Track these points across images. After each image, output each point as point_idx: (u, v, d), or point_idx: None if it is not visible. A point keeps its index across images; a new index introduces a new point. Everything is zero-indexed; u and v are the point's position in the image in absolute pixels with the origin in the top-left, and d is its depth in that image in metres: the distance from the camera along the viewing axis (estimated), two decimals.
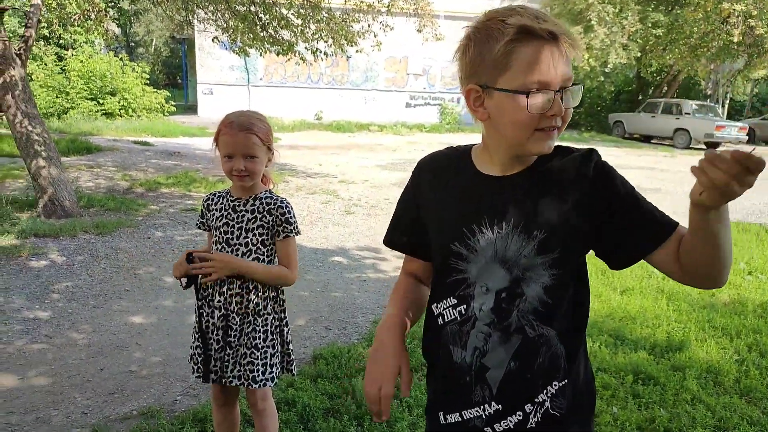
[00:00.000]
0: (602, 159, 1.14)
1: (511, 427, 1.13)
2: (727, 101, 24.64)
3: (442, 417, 1.21)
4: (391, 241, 1.32)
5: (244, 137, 1.89)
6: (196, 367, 2.04)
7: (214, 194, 2.08)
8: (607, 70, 19.79)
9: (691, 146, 17.88)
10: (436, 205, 1.20)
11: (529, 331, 1.12)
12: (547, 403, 1.12)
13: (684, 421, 2.67)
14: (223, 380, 1.99)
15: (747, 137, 18.03)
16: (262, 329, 1.98)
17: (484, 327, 1.13)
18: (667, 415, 2.72)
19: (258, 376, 1.97)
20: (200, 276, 1.96)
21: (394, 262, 5.12)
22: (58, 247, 5.04)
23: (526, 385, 1.12)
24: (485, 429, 1.15)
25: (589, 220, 1.09)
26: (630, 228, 1.10)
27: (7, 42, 5.89)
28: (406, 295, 1.29)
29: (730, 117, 23.38)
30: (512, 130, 1.07)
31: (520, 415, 1.13)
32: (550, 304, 1.10)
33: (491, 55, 1.03)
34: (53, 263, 4.67)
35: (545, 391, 1.12)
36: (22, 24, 13.77)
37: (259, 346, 1.98)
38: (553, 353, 1.12)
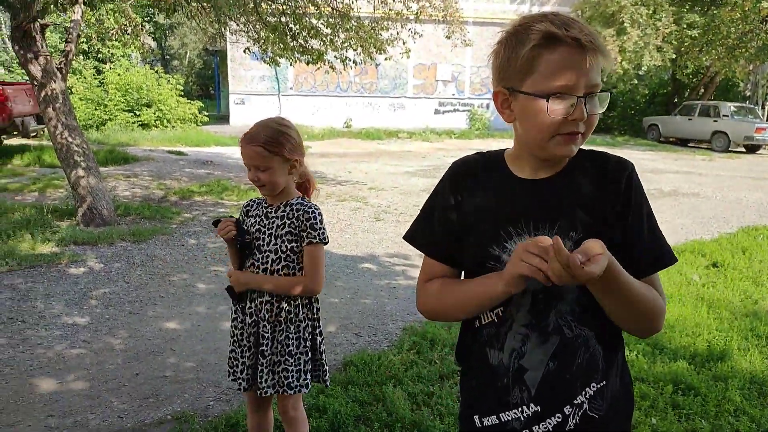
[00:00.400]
0: (636, 173, 1.16)
1: (550, 429, 1.12)
2: None
3: (477, 420, 1.20)
4: (422, 244, 1.27)
5: (251, 150, 1.92)
6: (231, 371, 2.07)
7: (254, 201, 2.11)
8: (640, 73, 19.37)
9: (730, 149, 17.34)
10: (473, 209, 1.20)
11: (567, 331, 1.12)
12: (586, 405, 1.12)
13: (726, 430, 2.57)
14: (258, 391, 1.99)
15: None
16: (294, 336, 1.99)
17: (521, 328, 1.13)
18: (708, 427, 2.63)
19: (293, 382, 1.98)
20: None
21: None
22: (96, 255, 5.17)
23: (564, 386, 1.12)
24: (524, 431, 1.14)
25: (616, 225, 1.12)
26: (629, 249, 1.12)
27: (48, 57, 6.11)
28: (456, 280, 1.24)
29: None
30: (534, 133, 1.10)
31: (559, 417, 1.12)
32: (587, 304, 1.10)
33: (518, 59, 1.07)
34: (91, 270, 4.80)
35: (584, 393, 1.12)
36: (63, 39, 14.29)
37: (293, 352, 1.98)
38: (591, 354, 1.13)
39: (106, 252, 5.29)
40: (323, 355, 2.08)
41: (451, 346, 3.40)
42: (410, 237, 1.29)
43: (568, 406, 1.12)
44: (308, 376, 2.02)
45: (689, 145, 18.98)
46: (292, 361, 1.98)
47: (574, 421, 1.12)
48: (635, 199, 1.13)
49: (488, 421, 1.18)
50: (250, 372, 2.00)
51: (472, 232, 1.19)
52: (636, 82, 20.51)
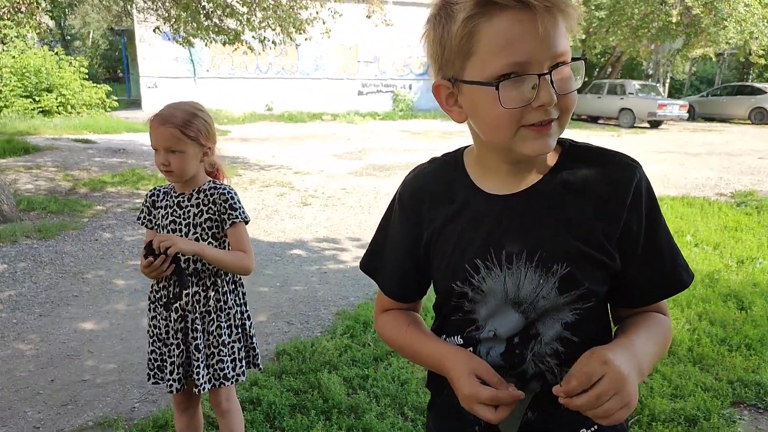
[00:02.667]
0: (645, 178, 0.91)
1: None
2: (668, 80, 25.61)
3: None
4: (375, 271, 1.09)
5: (165, 131, 1.79)
6: (152, 373, 1.96)
7: (159, 190, 1.98)
8: None
9: (635, 125, 18.48)
10: (430, 238, 0.97)
11: (550, 377, 0.92)
12: None
13: (642, 391, 2.75)
14: (196, 389, 1.90)
15: (688, 114, 18.77)
16: (225, 324, 1.93)
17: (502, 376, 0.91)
18: None
19: (228, 373, 1.93)
20: (181, 259, 1.83)
21: (354, 252, 5.08)
22: None
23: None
24: None
25: (620, 249, 0.90)
26: (641, 274, 0.92)
27: None
28: (414, 323, 1.05)
29: (671, 95, 24.33)
30: (490, 131, 0.86)
31: None
32: (576, 342, 0.90)
33: (451, 39, 0.82)
34: None
35: None
36: None
37: (226, 342, 1.92)
38: None
39: (9, 251, 4.87)
40: (254, 338, 2.04)
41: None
42: (364, 267, 1.11)
43: None
44: (243, 363, 1.99)
45: (599, 121, 20.07)
46: (226, 351, 1.92)
47: None
48: (649, 215, 0.89)
49: None
50: (181, 371, 1.90)
51: (432, 265, 0.98)
52: None
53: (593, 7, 18.98)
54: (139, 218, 1.99)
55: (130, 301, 3.94)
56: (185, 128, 1.80)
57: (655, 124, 18.84)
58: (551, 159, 0.92)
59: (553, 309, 0.89)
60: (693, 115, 20.49)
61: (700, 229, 5.79)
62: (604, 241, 0.88)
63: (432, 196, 0.98)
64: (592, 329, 0.92)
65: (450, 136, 14.29)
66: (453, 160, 1.00)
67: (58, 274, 4.43)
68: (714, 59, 23.86)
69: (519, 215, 0.90)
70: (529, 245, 0.88)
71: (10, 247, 4.97)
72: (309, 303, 3.98)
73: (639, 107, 18.31)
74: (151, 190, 1.99)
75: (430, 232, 0.97)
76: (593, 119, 20.25)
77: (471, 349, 0.95)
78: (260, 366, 2.07)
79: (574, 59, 0.82)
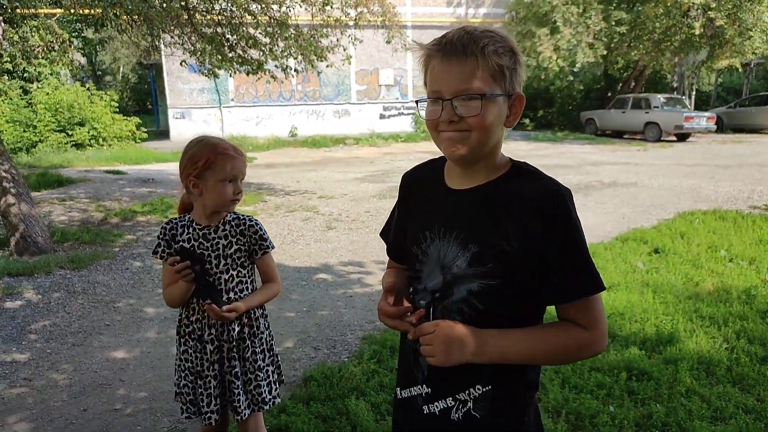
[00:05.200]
0: (569, 206, 1.16)
1: (437, 412, 1.23)
2: (694, 92, 25.22)
3: (399, 392, 1.33)
4: (385, 239, 1.48)
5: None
6: (185, 407, 1.98)
7: (175, 223, 1.96)
8: (575, 69, 20.10)
9: (662, 138, 18.20)
10: (409, 214, 1.35)
11: None
12: (470, 404, 1.21)
13: (681, 414, 2.66)
14: (238, 416, 1.93)
15: (716, 126, 18.42)
16: (259, 349, 1.97)
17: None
18: (663, 410, 2.71)
19: (266, 397, 1.97)
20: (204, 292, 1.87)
21: (379, 275, 5.07)
22: (33, 285, 4.89)
23: (446, 378, 1.21)
24: (423, 407, 1.25)
25: (526, 252, 1.14)
26: (547, 276, 1.16)
27: None
28: (392, 271, 1.44)
29: (697, 108, 23.92)
30: (431, 135, 1.22)
31: (444, 404, 1.23)
32: (480, 310, 1.17)
33: (423, 76, 1.22)
34: (29, 302, 4.53)
35: (467, 392, 1.20)
36: None
37: (262, 366, 1.97)
38: None
39: (43, 282, 5.00)
40: (278, 356, 2.10)
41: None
42: (381, 234, 1.50)
43: (451, 398, 1.22)
44: (277, 386, 2.04)
45: (624, 136, 19.81)
46: (262, 375, 1.96)
47: (457, 415, 1.21)
48: (556, 228, 1.13)
49: (404, 393, 1.31)
50: (218, 402, 1.92)
51: (407, 233, 1.33)
52: (572, 78, 21.27)
53: (614, 23, 18.91)
54: (155, 252, 1.96)
55: (160, 329, 3.99)
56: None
57: (682, 137, 18.53)
58: (500, 171, 1.22)
59: (463, 276, 1.18)
60: (721, 127, 20.08)
61: (734, 243, 5.63)
62: (512, 237, 1.14)
63: (415, 185, 1.36)
64: (495, 305, 1.17)
65: None
66: (440, 162, 1.33)
67: (91, 303, 4.52)
68: (740, 70, 23.45)
69: (460, 205, 1.22)
70: (458, 227, 1.20)
71: (45, 278, 5.10)
72: (335, 328, 3.97)
73: (665, 121, 18.04)
74: (168, 223, 1.98)
75: (409, 209, 1.35)
76: (618, 134, 20.01)
77: (412, 294, 1.26)
78: (284, 381, 2.12)
79: (477, 95, 1.12)
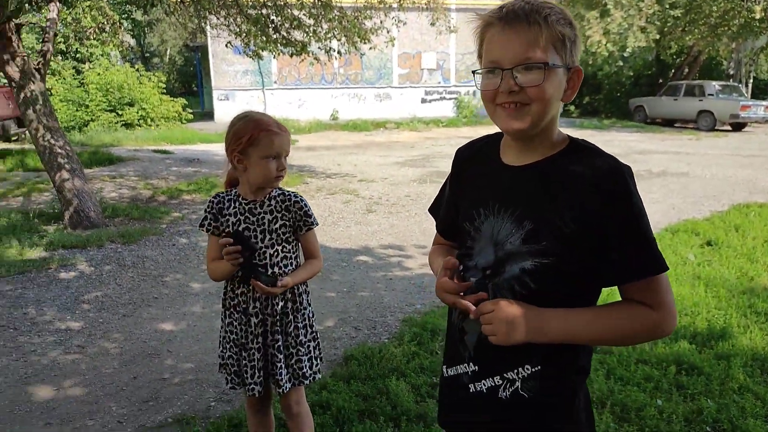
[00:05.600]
0: (629, 182, 1.11)
1: (484, 390, 1.22)
2: (751, 80, 24.03)
3: (445, 370, 1.32)
4: (435, 215, 1.46)
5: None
6: (230, 378, 2.02)
7: (222, 197, 1.99)
8: (625, 54, 19.40)
9: (716, 128, 17.45)
10: (461, 191, 1.33)
11: None
12: (518, 383, 1.18)
13: (733, 411, 2.56)
14: (279, 389, 1.97)
15: None
16: (301, 324, 1.99)
17: (471, 295, 1.21)
18: (714, 406, 2.62)
19: (307, 372, 2.00)
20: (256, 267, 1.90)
21: (419, 260, 5.06)
22: (85, 258, 5.08)
23: (494, 356, 1.19)
24: (469, 385, 1.24)
25: (583, 231, 1.10)
26: (605, 255, 1.12)
27: (26, 57, 5.97)
28: (440, 250, 1.44)
29: (754, 96, 22.76)
30: (486, 109, 1.19)
31: (492, 382, 1.21)
32: (533, 288, 1.14)
33: (477, 47, 1.19)
34: (82, 274, 4.71)
35: (516, 371, 1.18)
36: (39, 40, 14.01)
37: (303, 342, 1.99)
38: None
39: (96, 255, 5.19)
40: (317, 333, 2.11)
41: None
42: (430, 210, 1.48)
43: (498, 377, 1.20)
44: (317, 361, 2.06)
45: (675, 125, 19.09)
46: (303, 350, 1.99)
47: (505, 393, 1.20)
48: (615, 203, 1.09)
49: (451, 371, 1.29)
50: (261, 374, 1.96)
51: (459, 209, 1.31)
52: (621, 63, 20.55)
53: (668, 6, 18.13)
54: (202, 225, 1.99)
55: (204, 303, 4.10)
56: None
57: (737, 127, 17.72)
58: (557, 147, 1.18)
59: (517, 254, 1.15)
60: None
61: None
62: (568, 215, 1.11)
63: (469, 161, 1.33)
64: (549, 284, 1.14)
65: None
66: (496, 137, 1.30)
67: (140, 276, 4.67)
68: None
69: (516, 181, 1.19)
70: (513, 204, 1.17)
71: (97, 251, 5.29)
72: (376, 309, 3.99)
73: (720, 109, 17.28)
74: (214, 197, 2.00)
75: (461, 186, 1.33)
76: (669, 122, 19.28)
77: (462, 272, 1.25)
78: (322, 356, 2.13)
79: (540, 64, 1.08)
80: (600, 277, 1.15)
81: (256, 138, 1.85)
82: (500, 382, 1.20)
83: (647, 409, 2.60)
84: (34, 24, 11.63)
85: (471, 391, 1.24)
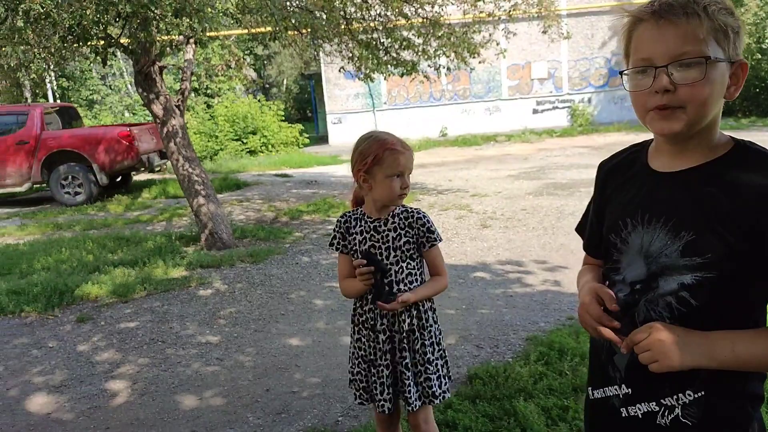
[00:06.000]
0: None
1: (639, 416, 1.12)
2: None
3: (590, 392, 1.25)
4: (581, 234, 1.40)
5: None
6: (358, 393, 2.06)
7: (350, 216, 2.06)
8: (764, 47, 17.52)
9: None
10: (607, 203, 1.25)
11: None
12: (678, 410, 1.09)
13: None
14: (409, 407, 1.98)
15: None
16: (428, 342, 1.99)
17: (618, 313, 1.14)
18: None
19: (436, 390, 1.99)
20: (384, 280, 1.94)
21: (540, 276, 4.87)
22: (220, 276, 5.49)
23: (651, 380, 1.08)
24: (621, 409, 1.15)
25: (754, 246, 1.00)
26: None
27: (168, 96, 6.64)
28: (589, 270, 1.35)
29: None
30: (636, 112, 1.10)
31: (648, 407, 1.12)
32: (694, 306, 1.04)
33: (623, 46, 1.12)
34: (217, 291, 5.09)
35: (675, 397, 1.09)
36: (177, 79, 15.63)
37: (431, 360, 1.98)
38: None
39: (228, 273, 5.59)
40: (446, 351, 2.09)
41: (581, 356, 3.18)
42: (576, 229, 1.43)
43: (654, 403, 1.10)
44: (446, 380, 2.04)
45: None
46: (432, 368, 1.97)
47: (665, 420, 1.10)
48: None
49: (597, 393, 1.22)
50: (391, 391, 1.98)
51: (604, 221, 1.24)
52: (759, 56, 18.59)
53: None
54: (331, 244, 2.08)
55: (328, 320, 4.24)
56: None
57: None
58: (719, 151, 1.07)
59: (673, 268, 1.05)
60: None
61: None
62: (736, 228, 1.00)
63: (613, 171, 1.26)
64: (714, 301, 1.03)
65: None
66: (642, 145, 1.23)
67: (268, 294, 4.95)
68: None
69: (669, 189, 1.09)
70: (667, 213, 1.07)
71: (229, 270, 5.70)
72: (497, 327, 3.89)
73: None
74: (342, 216, 2.08)
75: (606, 197, 1.25)
76: None
77: (608, 287, 1.16)
78: (451, 375, 2.10)
79: (698, 58, 0.99)
80: None
81: (380, 157, 1.89)
82: (657, 408, 1.11)
83: None
84: (173, 66, 12.95)
85: (623, 415, 1.15)
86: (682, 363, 1.02)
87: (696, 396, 1.07)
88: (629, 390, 1.14)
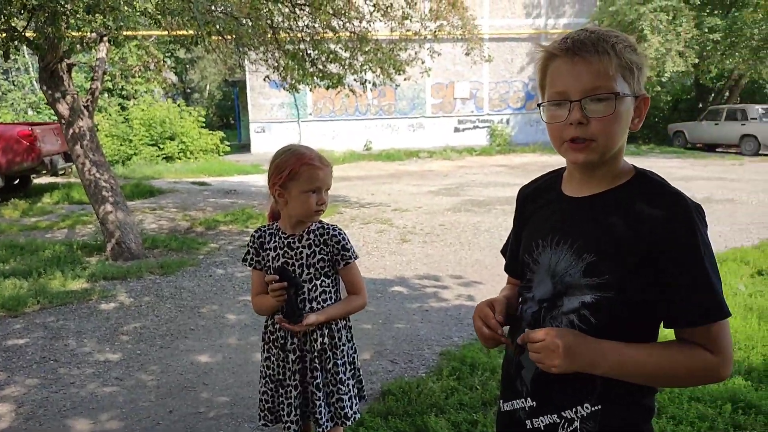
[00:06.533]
0: (696, 223, 1.07)
1: (542, 428, 1.17)
2: None
3: (501, 405, 1.29)
4: (504, 255, 1.45)
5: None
6: (263, 414, 1.98)
7: (264, 231, 1.99)
8: (663, 80, 19.09)
9: (760, 152, 16.86)
10: (524, 226, 1.32)
11: None
12: (576, 423, 1.14)
13: None
14: (320, 428, 1.92)
15: None
16: (341, 362, 1.94)
17: (525, 327, 1.20)
18: None
19: (348, 411, 1.94)
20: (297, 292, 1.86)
21: (455, 290, 4.96)
22: (125, 289, 5.17)
23: (552, 393, 1.16)
24: (526, 421, 1.20)
25: (647, 268, 1.07)
26: (672, 296, 1.08)
27: (75, 95, 6.23)
28: (507, 289, 1.42)
29: None
30: (552, 141, 1.16)
31: (550, 419, 1.17)
32: (593, 323, 1.11)
33: (538, 79, 1.18)
34: (122, 305, 4.78)
35: (574, 410, 1.14)
36: (88, 78, 14.71)
37: (343, 380, 1.93)
38: (585, 373, 1.09)
39: (135, 286, 5.28)
40: (360, 371, 2.05)
41: (491, 370, 3.26)
42: (502, 250, 1.47)
43: (556, 416, 1.16)
44: (357, 401, 2.00)
45: (717, 150, 18.54)
46: (344, 389, 1.93)
47: None
48: (677, 242, 1.05)
49: (507, 406, 1.26)
50: (298, 412, 1.91)
51: (521, 244, 1.31)
52: (659, 89, 20.21)
53: (707, 30, 17.83)
54: (245, 260, 2.00)
55: (240, 335, 4.09)
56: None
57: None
58: (622, 178, 1.15)
59: (576, 287, 1.12)
60: None
61: None
62: (631, 250, 1.07)
63: (531, 196, 1.33)
64: (613, 321, 1.10)
65: (549, 168, 13.82)
66: (557, 172, 1.30)
67: (177, 308, 4.72)
68: None
69: (576, 214, 1.17)
70: (573, 235, 1.15)
71: (137, 282, 5.38)
72: (412, 342, 3.91)
73: (764, 133, 16.69)
74: (257, 231, 2.01)
75: (524, 220, 1.32)
76: (710, 147, 18.74)
77: (521, 307, 1.25)
78: (365, 397, 2.07)
79: (609, 94, 1.06)
80: (661, 317, 1.12)
81: (297, 172, 1.84)
82: (558, 420, 1.16)
83: None
84: (84, 63, 12.20)
85: (528, 427, 1.20)
86: (563, 366, 1.07)
87: (593, 409, 1.13)
88: (534, 403, 1.19)
